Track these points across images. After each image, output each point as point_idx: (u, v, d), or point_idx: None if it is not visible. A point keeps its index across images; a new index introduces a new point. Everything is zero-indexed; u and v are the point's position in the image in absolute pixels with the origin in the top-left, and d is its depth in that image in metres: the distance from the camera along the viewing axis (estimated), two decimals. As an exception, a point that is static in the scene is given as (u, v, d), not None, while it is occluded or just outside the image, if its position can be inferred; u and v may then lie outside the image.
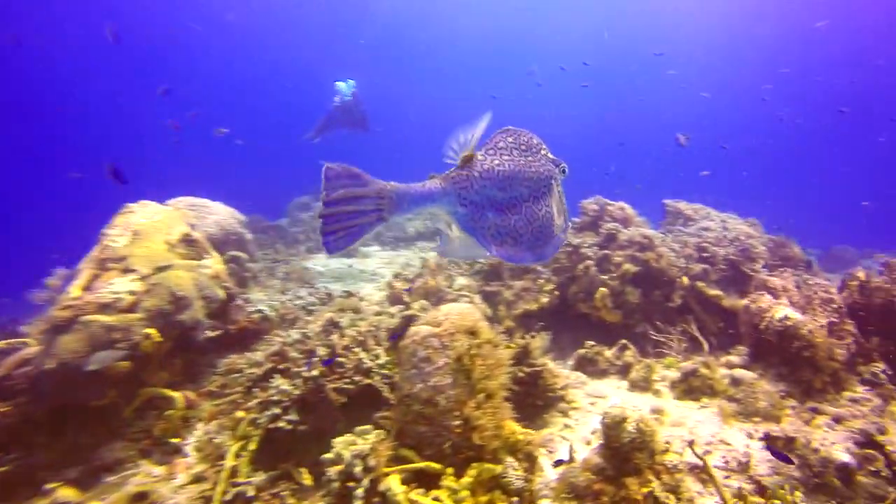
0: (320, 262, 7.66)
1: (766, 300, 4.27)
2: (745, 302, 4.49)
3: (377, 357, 3.52)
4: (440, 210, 1.37)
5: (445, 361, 2.78)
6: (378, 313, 4.24)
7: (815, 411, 3.89)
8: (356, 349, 3.51)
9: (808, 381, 3.90)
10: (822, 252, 11.74)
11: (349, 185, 1.25)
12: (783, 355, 3.99)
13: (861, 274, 4.62)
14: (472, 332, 2.89)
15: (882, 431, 3.77)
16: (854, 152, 36.97)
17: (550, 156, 1.51)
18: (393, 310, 4.42)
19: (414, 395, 2.80)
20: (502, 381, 2.90)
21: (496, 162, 1.39)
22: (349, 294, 5.24)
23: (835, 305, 4.21)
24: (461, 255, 1.52)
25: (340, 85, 9.79)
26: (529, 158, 1.44)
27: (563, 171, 1.53)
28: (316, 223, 1.90)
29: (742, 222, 6.09)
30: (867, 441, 3.68)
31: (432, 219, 1.45)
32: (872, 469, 3.48)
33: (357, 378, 3.38)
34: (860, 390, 4.25)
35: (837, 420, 3.90)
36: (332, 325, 3.67)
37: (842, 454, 3.51)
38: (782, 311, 4.03)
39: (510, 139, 1.44)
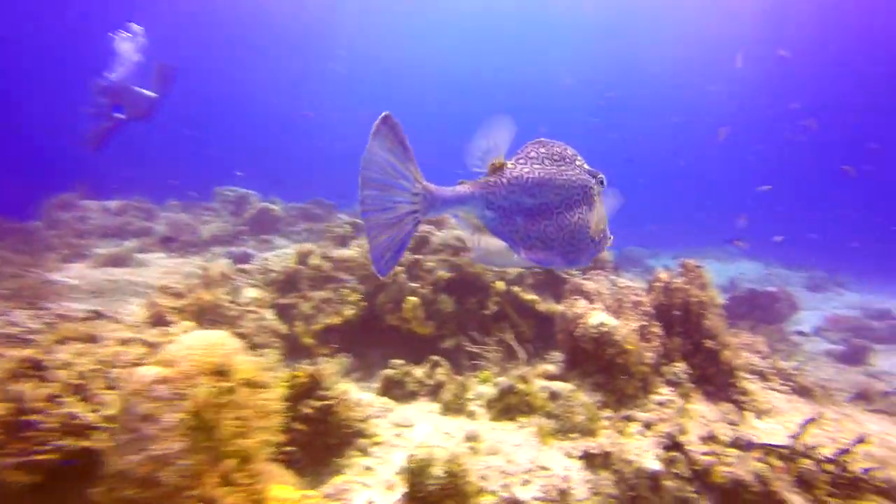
0: (75, 273, 5.99)
1: (581, 305, 4.14)
2: (560, 308, 4.36)
3: (104, 407, 2.52)
4: (470, 214, 1.39)
5: (176, 418, 1.94)
6: (124, 342, 3.16)
7: (629, 419, 3.82)
8: (67, 399, 2.46)
9: (621, 388, 3.82)
10: (617, 252, 13.09)
11: (393, 159, 1.22)
12: (599, 363, 3.85)
13: (664, 275, 4.77)
14: (222, 373, 2.08)
15: (683, 431, 3.82)
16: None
17: (587, 167, 1.51)
18: (150, 335, 3.37)
19: (126, 472, 1.90)
20: (267, 435, 2.15)
21: (526, 169, 1.40)
22: (96, 314, 3.98)
23: (644, 308, 4.24)
24: (497, 263, 1.54)
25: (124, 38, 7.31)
26: (562, 168, 1.43)
27: (602, 183, 1.51)
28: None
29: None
30: (671, 444, 3.69)
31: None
32: (675, 471, 3.46)
33: (64, 442, 2.34)
34: (665, 392, 4.34)
35: (647, 426, 3.88)
36: (31, 367, 2.56)
37: (651, 462, 3.42)
38: (598, 316, 3.90)
39: (542, 149, 1.44)
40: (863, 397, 5.86)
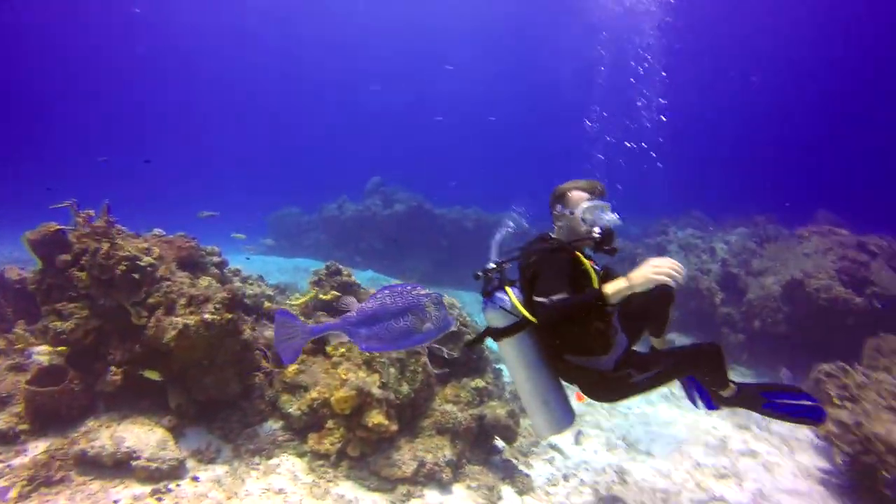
0: None
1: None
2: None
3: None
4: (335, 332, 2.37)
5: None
6: None
7: None
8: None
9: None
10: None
11: (287, 325, 2.32)
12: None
13: None
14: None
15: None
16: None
17: (424, 292, 2.38)
18: None
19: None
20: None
21: (367, 305, 2.36)
22: None
23: None
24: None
25: None
26: (397, 299, 2.34)
27: (437, 301, 2.40)
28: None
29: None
30: None
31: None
32: None
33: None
34: None
35: None
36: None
37: None
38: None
39: (386, 291, 2.37)
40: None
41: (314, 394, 4.18)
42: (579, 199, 2.69)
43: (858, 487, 4.43)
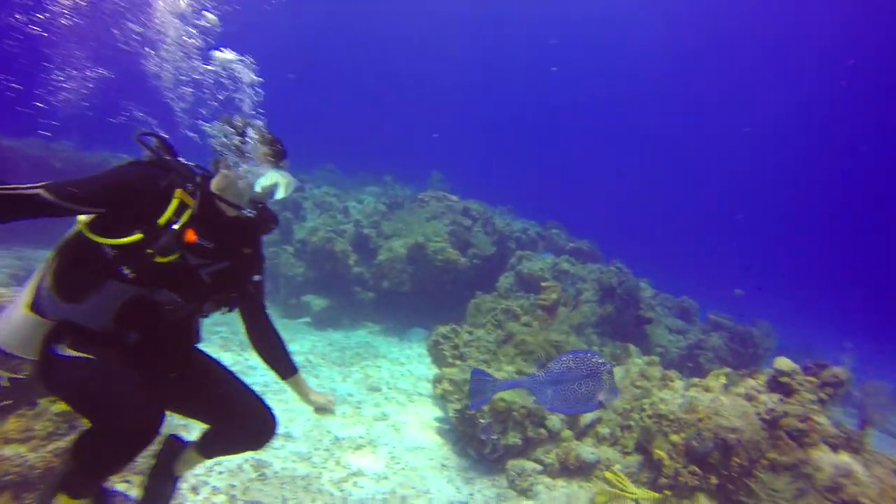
0: None
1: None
2: None
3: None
4: (523, 390, 2.68)
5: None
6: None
7: None
8: None
9: None
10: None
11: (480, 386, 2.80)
12: None
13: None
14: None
15: None
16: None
17: (602, 360, 2.58)
18: None
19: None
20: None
21: (554, 367, 2.58)
22: None
23: None
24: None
25: None
26: (580, 363, 2.55)
27: (610, 371, 2.58)
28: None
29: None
30: None
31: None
32: None
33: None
34: None
35: None
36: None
37: None
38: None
39: (571, 356, 2.58)
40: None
41: None
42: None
43: (465, 434, 4.97)
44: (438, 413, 5.75)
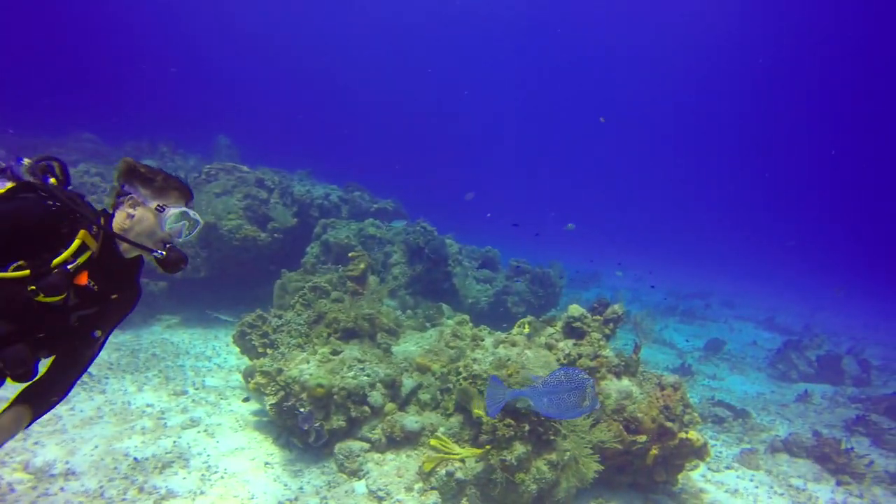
0: None
1: None
2: None
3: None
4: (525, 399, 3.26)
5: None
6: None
7: None
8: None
9: None
10: None
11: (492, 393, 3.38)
12: None
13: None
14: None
15: None
16: None
17: (586, 376, 3.20)
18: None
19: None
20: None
21: (550, 380, 3.17)
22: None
23: None
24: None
25: None
26: (569, 378, 3.17)
27: (592, 385, 3.21)
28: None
29: None
30: None
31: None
32: None
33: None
34: None
35: None
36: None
37: None
38: None
39: (561, 372, 3.18)
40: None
41: None
42: None
43: (286, 427, 4.90)
44: (255, 406, 5.50)
